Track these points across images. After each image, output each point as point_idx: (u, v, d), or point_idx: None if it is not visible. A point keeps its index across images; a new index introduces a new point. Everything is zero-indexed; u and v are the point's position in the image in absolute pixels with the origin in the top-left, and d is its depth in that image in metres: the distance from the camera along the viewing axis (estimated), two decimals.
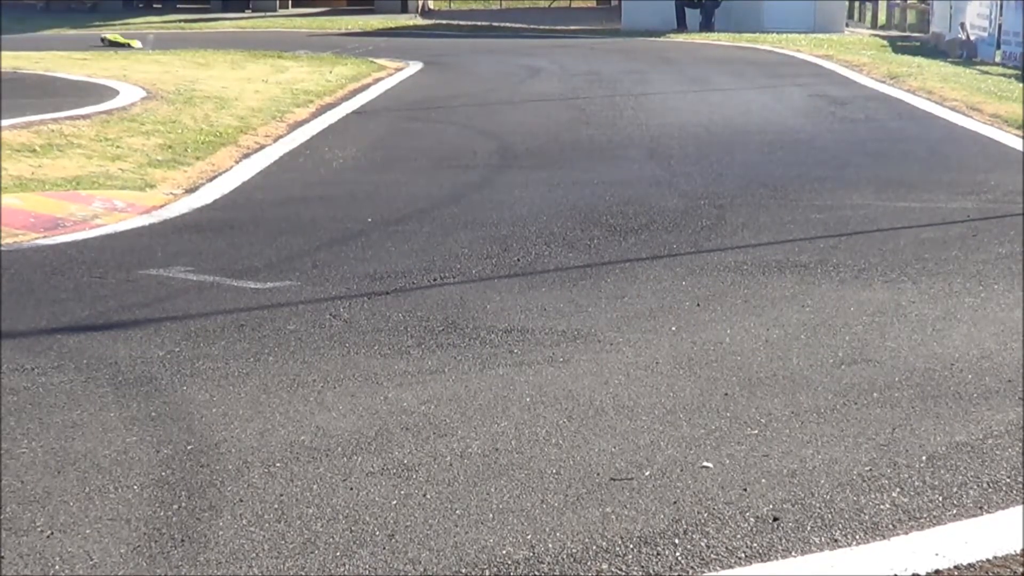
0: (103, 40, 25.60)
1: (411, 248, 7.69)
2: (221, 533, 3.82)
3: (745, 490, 4.12)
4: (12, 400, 4.95)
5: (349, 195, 9.64)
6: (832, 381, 5.22)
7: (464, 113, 15.28)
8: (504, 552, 3.70)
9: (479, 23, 34.67)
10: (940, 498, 4.08)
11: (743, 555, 3.69)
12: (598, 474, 4.26)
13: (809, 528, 3.86)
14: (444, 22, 35.24)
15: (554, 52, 24.33)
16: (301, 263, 7.31)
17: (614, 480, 4.21)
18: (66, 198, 9.20)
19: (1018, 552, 3.72)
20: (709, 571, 3.61)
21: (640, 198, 9.35)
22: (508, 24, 34.13)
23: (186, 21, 35.36)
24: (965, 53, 22.29)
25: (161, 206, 9.20)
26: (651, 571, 3.60)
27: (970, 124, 13.81)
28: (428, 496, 4.09)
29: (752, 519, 3.91)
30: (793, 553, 3.71)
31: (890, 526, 3.88)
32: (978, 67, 20.23)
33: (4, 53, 19.50)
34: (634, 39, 28.15)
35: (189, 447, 4.49)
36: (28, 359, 5.48)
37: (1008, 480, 4.22)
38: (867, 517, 3.93)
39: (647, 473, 4.27)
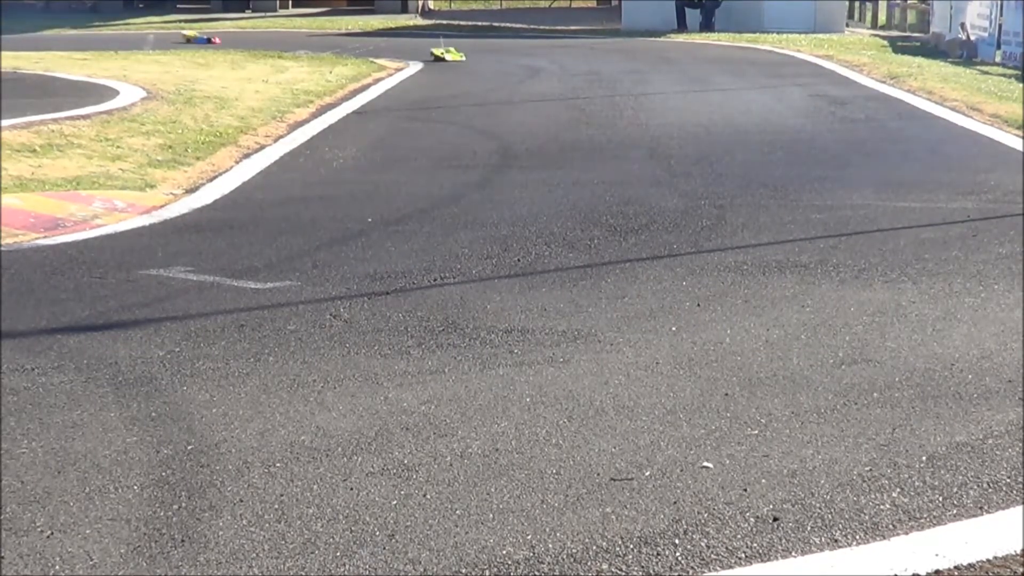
0: (436, 56, 22.26)
1: (411, 248, 7.69)
2: (221, 533, 3.82)
3: (745, 490, 4.12)
4: (12, 400, 4.95)
5: (349, 195, 9.64)
6: (832, 381, 5.22)
7: (464, 113, 15.28)
8: (504, 552, 3.70)
9: (479, 23, 34.68)
10: (940, 498, 4.08)
11: (743, 555, 3.69)
12: (598, 474, 4.26)
13: (809, 528, 3.86)
14: (444, 22, 35.22)
15: (554, 52, 24.34)
16: (301, 263, 7.31)
17: (614, 480, 4.21)
18: (66, 198, 9.20)
19: (1018, 552, 3.71)
20: (709, 571, 3.61)
21: (640, 198, 9.35)
22: (508, 24, 34.14)
23: (186, 21, 35.35)
24: (965, 53, 22.29)
25: (161, 206, 9.20)
26: (651, 571, 3.60)
27: (970, 124, 13.81)
28: (428, 496, 4.09)
29: (752, 519, 3.91)
30: (793, 553, 3.71)
31: (890, 526, 3.88)
32: (978, 67, 20.23)
33: (4, 53, 19.51)
34: (634, 39, 28.15)
35: (189, 447, 4.49)
36: (28, 359, 5.48)
37: (1008, 480, 4.22)
38: (867, 517, 3.93)
39: (647, 473, 4.27)
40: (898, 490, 4.13)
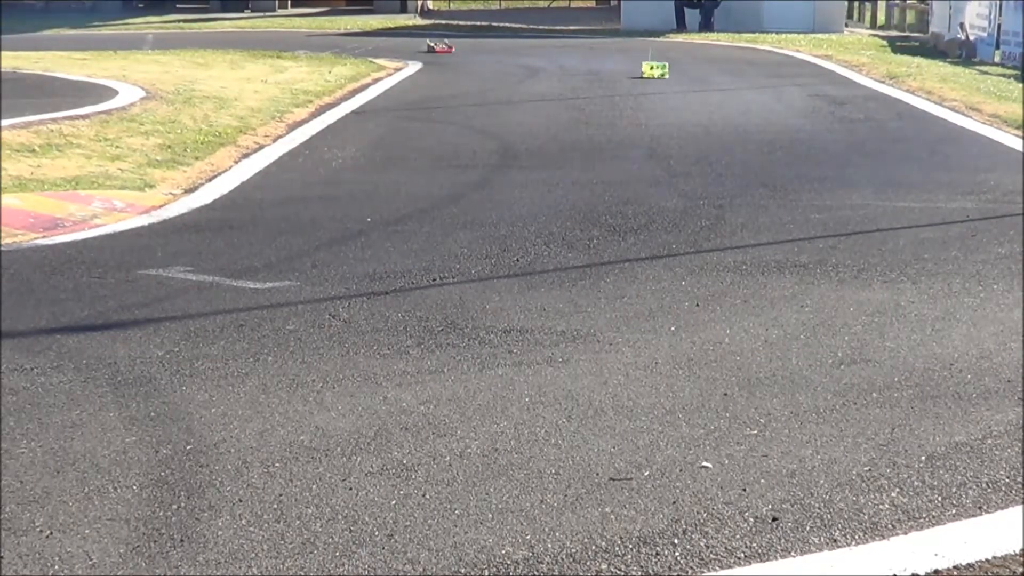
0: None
1: (411, 248, 7.69)
2: (220, 533, 3.82)
3: (744, 490, 4.12)
4: (12, 400, 4.95)
5: (348, 195, 9.64)
6: (831, 381, 5.22)
7: (463, 113, 15.27)
8: (503, 552, 3.70)
9: (478, 23, 34.67)
10: (939, 498, 4.08)
11: (742, 555, 3.69)
12: (597, 474, 4.26)
13: (808, 528, 3.86)
14: (443, 22, 35.22)
15: (553, 52, 24.33)
16: (301, 263, 7.31)
17: (613, 480, 4.21)
18: (65, 198, 9.20)
19: (1017, 552, 3.72)
20: (708, 571, 3.61)
21: (640, 198, 9.35)
22: (507, 24, 34.12)
23: (185, 21, 35.34)
24: (964, 53, 22.29)
25: (160, 206, 9.20)
26: (650, 571, 3.60)
27: (969, 124, 13.81)
28: (427, 496, 4.09)
29: (751, 519, 3.91)
30: (792, 553, 3.71)
31: (889, 526, 3.88)
32: (977, 67, 20.23)
33: (4, 53, 19.50)
34: (633, 39, 28.13)
35: (188, 447, 4.49)
36: (28, 359, 5.48)
37: (1007, 480, 4.22)
38: (866, 517, 3.93)
39: (646, 473, 4.27)
40: (897, 490, 4.13)
